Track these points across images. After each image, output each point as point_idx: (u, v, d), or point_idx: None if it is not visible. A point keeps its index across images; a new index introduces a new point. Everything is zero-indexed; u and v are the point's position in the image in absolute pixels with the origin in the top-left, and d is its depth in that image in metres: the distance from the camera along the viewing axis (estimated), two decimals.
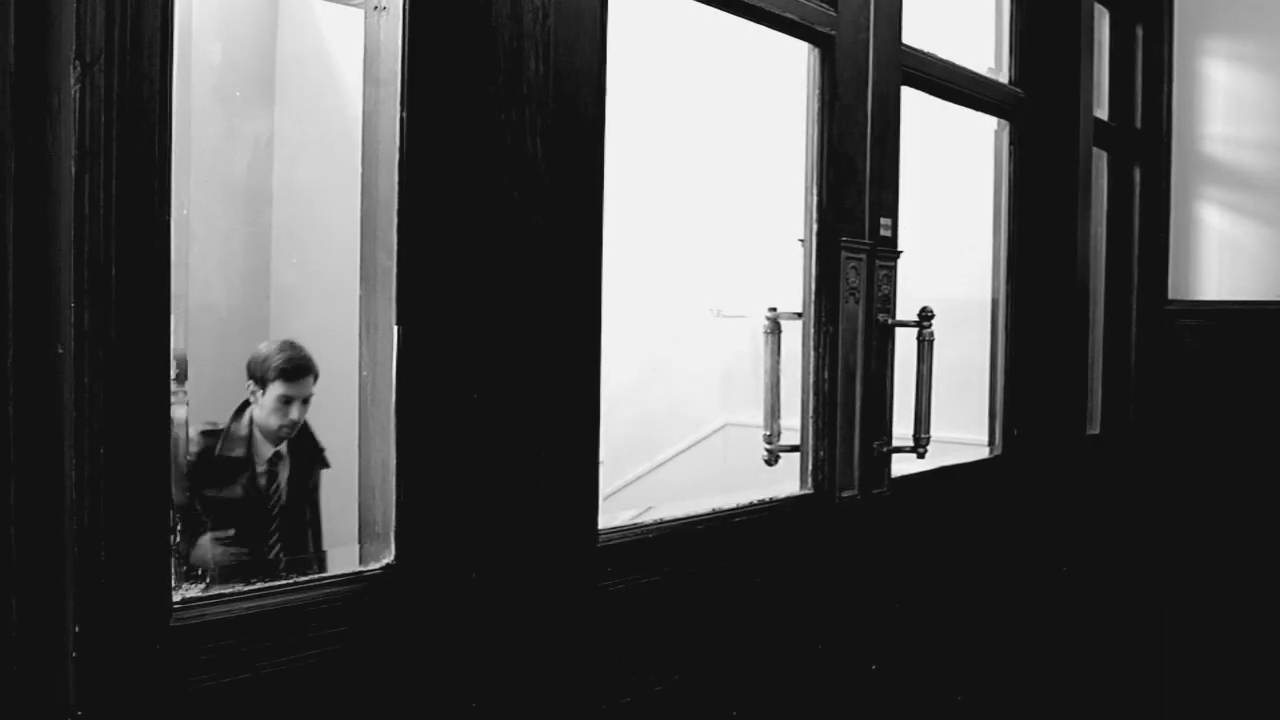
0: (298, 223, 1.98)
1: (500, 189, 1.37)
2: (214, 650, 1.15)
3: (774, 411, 2.37)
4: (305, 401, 3.18)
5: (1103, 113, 3.50)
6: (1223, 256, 3.70)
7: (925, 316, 2.32)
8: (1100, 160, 3.53)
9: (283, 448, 3.22)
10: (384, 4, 1.36)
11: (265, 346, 3.14)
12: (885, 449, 2.31)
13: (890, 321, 2.31)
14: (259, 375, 3.12)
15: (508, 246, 1.39)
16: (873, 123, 2.30)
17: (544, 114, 1.41)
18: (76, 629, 1.02)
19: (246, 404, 3.16)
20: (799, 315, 2.25)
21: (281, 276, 1.98)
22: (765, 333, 2.38)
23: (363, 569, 1.32)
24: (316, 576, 1.27)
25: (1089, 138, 3.14)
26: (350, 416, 1.43)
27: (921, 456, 2.38)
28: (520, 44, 1.38)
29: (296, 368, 3.13)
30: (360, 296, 1.41)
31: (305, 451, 3.27)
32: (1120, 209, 3.69)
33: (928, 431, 2.33)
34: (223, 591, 1.18)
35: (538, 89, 1.40)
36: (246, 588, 1.21)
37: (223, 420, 3.14)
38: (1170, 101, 3.72)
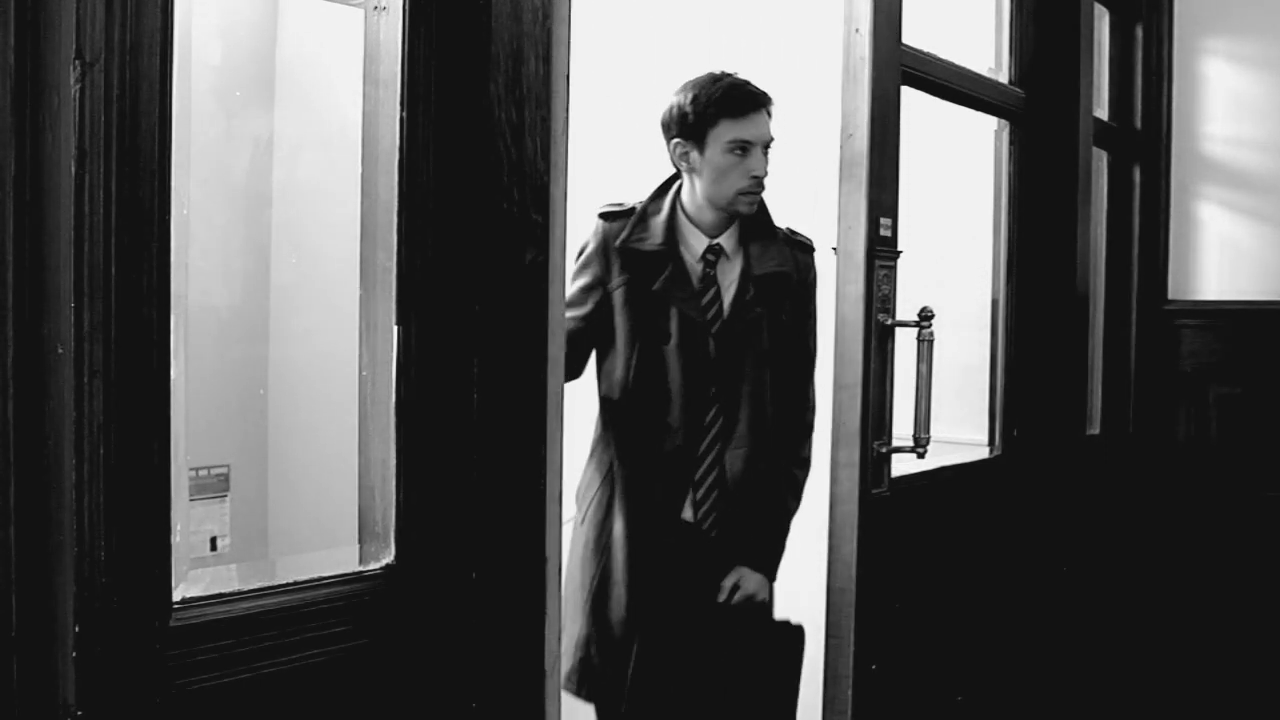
0: (298, 223, 1.98)
1: (500, 189, 1.37)
2: (214, 650, 1.15)
3: None
4: (767, 151, 2.22)
5: (1103, 113, 3.50)
6: (1223, 256, 3.70)
7: (925, 316, 2.32)
8: (1100, 160, 3.53)
9: (728, 238, 2.25)
10: (384, 4, 1.36)
11: (683, 88, 2.22)
12: (885, 449, 2.32)
13: (890, 321, 2.32)
14: (690, 121, 2.18)
15: (508, 246, 1.39)
16: (872, 123, 2.30)
17: (544, 114, 1.41)
18: (76, 629, 1.02)
19: (667, 184, 2.30)
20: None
21: (281, 276, 1.98)
22: None
23: (363, 569, 1.32)
24: (316, 577, 1.27)
25: (1089, 138, 3.14)
26: (350, 416, 1.44)
27: (921, 456, 2.38)
28: (520, 44, 1.38)
29: (748, 97, 2.19)
30: (360, 296, 1.41)
31: (770, 245, 2.27)
32: (1120, 209, 3.69)
33: (928, 431, 2.33)
34: (223, 591, 1.18)
35: (537, 89, 1.40)
36: (246, 588, 1.21)
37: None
38: (1170, 101, 3.71)
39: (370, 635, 1.29)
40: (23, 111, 1.00)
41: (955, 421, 2.97)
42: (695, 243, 2.26)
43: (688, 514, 2.24)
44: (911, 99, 2.49)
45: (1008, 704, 2.93)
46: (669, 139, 2.25)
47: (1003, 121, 2.99)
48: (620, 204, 2.27)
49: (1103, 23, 3.54)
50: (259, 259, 1.97)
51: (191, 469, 1.82)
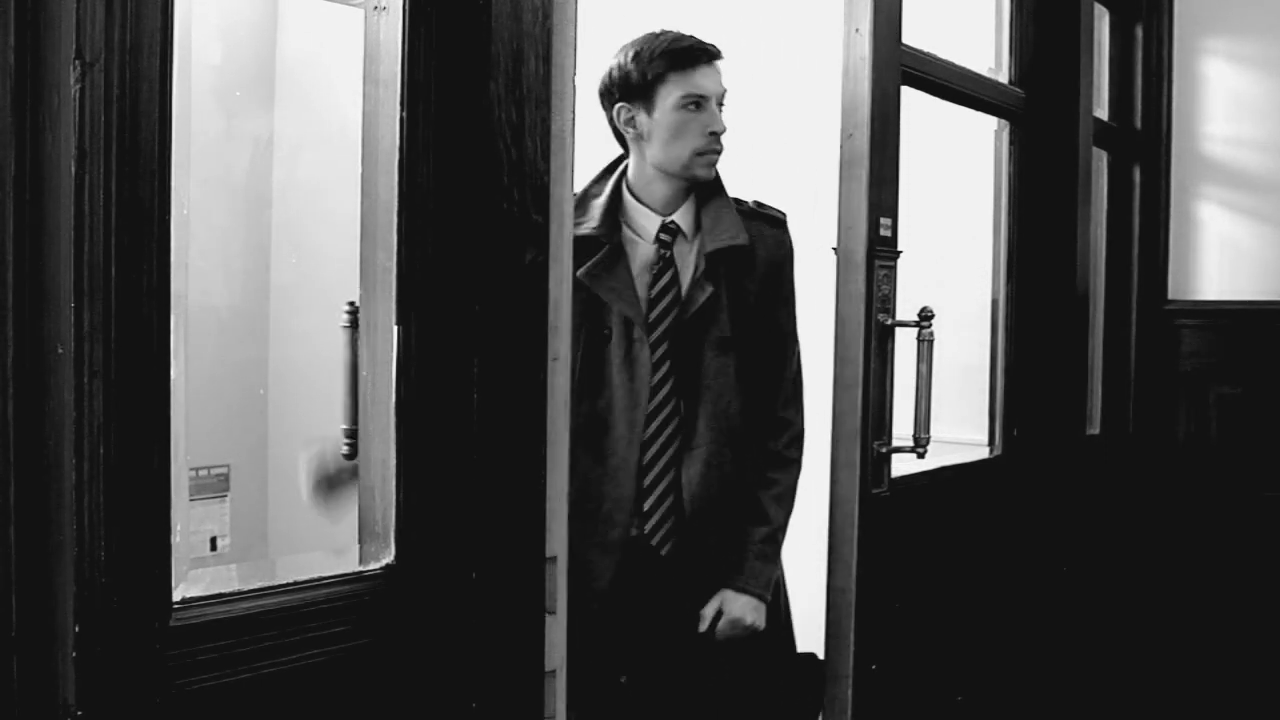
0: (298, 223, 1.98)
1: (500, 189, 1.37)
2: (214, 650, 1.15)
3: None
4: (721, 106, 2.02)
5: (1103, 113, 3.50)
6: (1223, 256, 3.70)
7: (925, 316, 2.32)
8: (1100, 160, 3.53)
9: (684, 214, 2.04)
10: (384, 4, 1.36)
11: (620, 50, 2.02)
12: (885, 449, 2.32)
13: (890, 321, 2.31)
14: (635, 80, 1.97)
15: (508, 246, 1.39)
16: (872, 123, 2.30)
17: (544, 114, 1.41)
18: (76, 629, 1.02)
19: (613, 165, 2.10)
20: None
21: (281, 276, 1.98)
22: None
23: (363, 569, 1.32)
24: (316, 577, 1.27)
25: (1089, 138, 3.14)
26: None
27: (921, 456, 2.38)
28: (520, 44, 1.38)
29: (696, 48, 2.00)
30: (360, 296, 1.41)
31: (722, 215, 2.06)
32: (1120, 209, 3.69)
33: (928, 431, 2.33)
34: (223, 591, 1.18)
35: (537, 89, 1.40)
36: (246, 588, 1.21)
37: None
38: (1170, 101, 3.71)
39: (370, 635, 1.29)
40: (23, 111, 1.00)
41: (955, 421, 2.98)
42: (645, 223, 2.03)
43: (634, 530, 2.02)
44: (911, 99, 2.49)
45: (1008, 704, 2.93)
46: (610, 106, 2.03)
47: (1003, 121, 2.99)
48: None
49: (1103, 23, 3.54)
50: (259, 259, 1.97)
51: (191, 469, 1.82)
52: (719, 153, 2.03)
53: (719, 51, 2.03)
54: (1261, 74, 3.61)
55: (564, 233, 1.47)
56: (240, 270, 1.95)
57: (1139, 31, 3.69)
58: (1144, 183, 3.71)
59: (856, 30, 2.28)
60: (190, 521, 1.80)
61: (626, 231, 2.04)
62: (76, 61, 1.00)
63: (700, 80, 1.99)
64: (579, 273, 1.90)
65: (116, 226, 1.04)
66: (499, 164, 1.36)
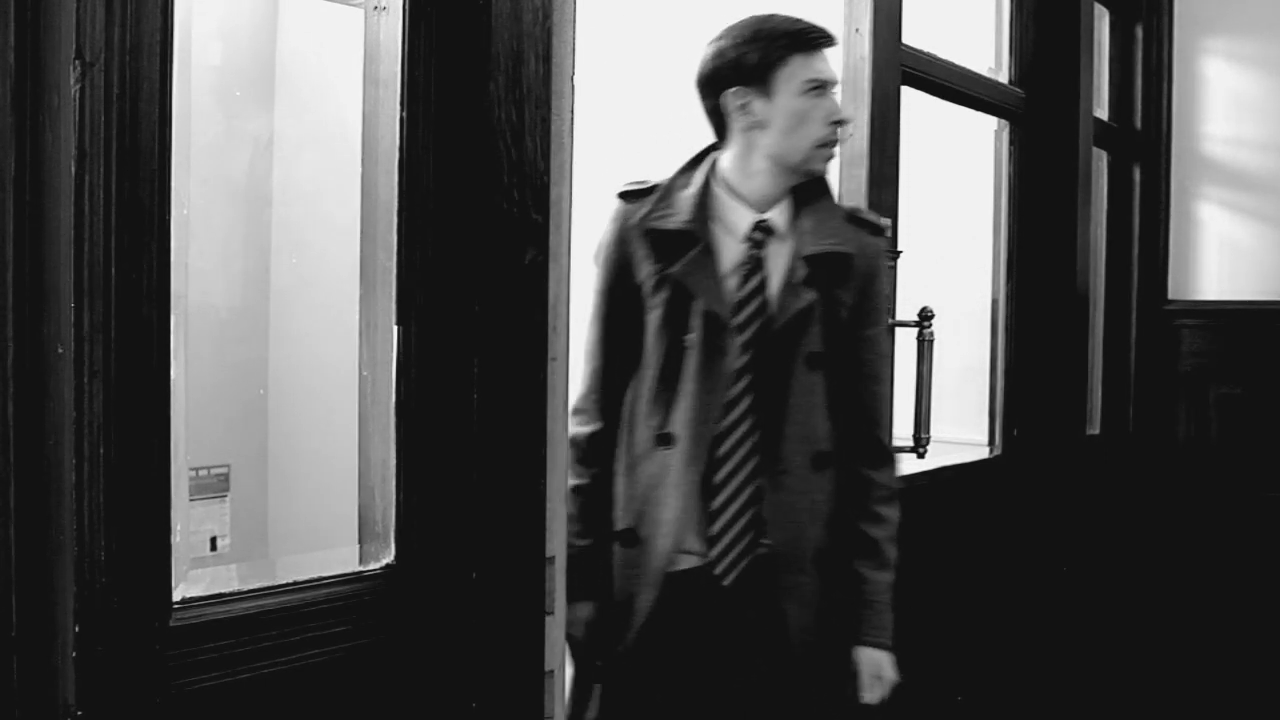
0: (298, 223, 1.97)
1: (500, 189, 1.37)
2: (214, 650, 1.15)
3: None
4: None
5: (1103, 113, 3.50)
6: (1222, 256, 3.70)
7: (925, 316, 2.32)
8: (1100, 160, 3.53)
9: (780, 212, 1.85)
10: (384, 4, 1.36)
11: (725, 35, 1.84)
12: None
13: (890, 321, 2.32)
14: (752, 63, 1.80)
15: (508, 246, 1.39)
16: (872, 123, 2.30)
17: (544, 114, 1.41)
18: (76, 629, 1.02)
19: (700, 156, 1.92)
20: None
21: (281, 276, 1.98)
22: None
23: (363, 569, 1.32)
24: (316, 577, 1.27)
25: (1089, 138, 3.14)
26: (350, 416, 1.44)
27: (921, 456, 2.38)
28: (520, 44, 1.38)
29: (817, 29, 1.84)
30: (360, 296, 1.41)
31: (827, 218, 1.87)
32: (1120, 209, 3.69)
33: (928, 431, 2.33)
34: (223, 591, 1.18)
35: (537, 89, 1.40)
36: (246, 588, 1.21)
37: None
38: (1170, 101, 3.72)
39: (370, 635, 1.29)
40: (23, 111, 1.00)
41: (955, 421, 2.98)
42: (737, 219, 1.83)
43: (693, 560, 1.81)
44: (911, 99, 2.49)
45: (1008, 704, 2.93)
46: (716, 92, 1.83)
47: (1003, 121, 3.00)
48: (643, 182, 1.87)
49: (1103, 23, 3.54)
50: (259, 259, 1.96)
51: (191, 469, 1.82)
52: (837, 145, 1.86)
53: (834, 37, 1.87)
54: (1261, 74, 3.61)
55: (563, 233, 1.47)
56: (240, 270, 1.95)
57: (1139, 31, 3.69)
58: (1144, 183, 3.71)
59: (856, 30, 2.29)
60: (190, 521, 1.80)
61: (714, 227, 1.83)
62: (76, 61, 1.00)
63: (822, 65, 1.81)
64: (673, 270, 1.78)
65: (116, 226, 1.04)
66: (499, 164, 1.36)
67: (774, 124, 1.79)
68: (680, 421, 1.78)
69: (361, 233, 1.41)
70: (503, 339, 1.38)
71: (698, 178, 1.85)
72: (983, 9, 3.05)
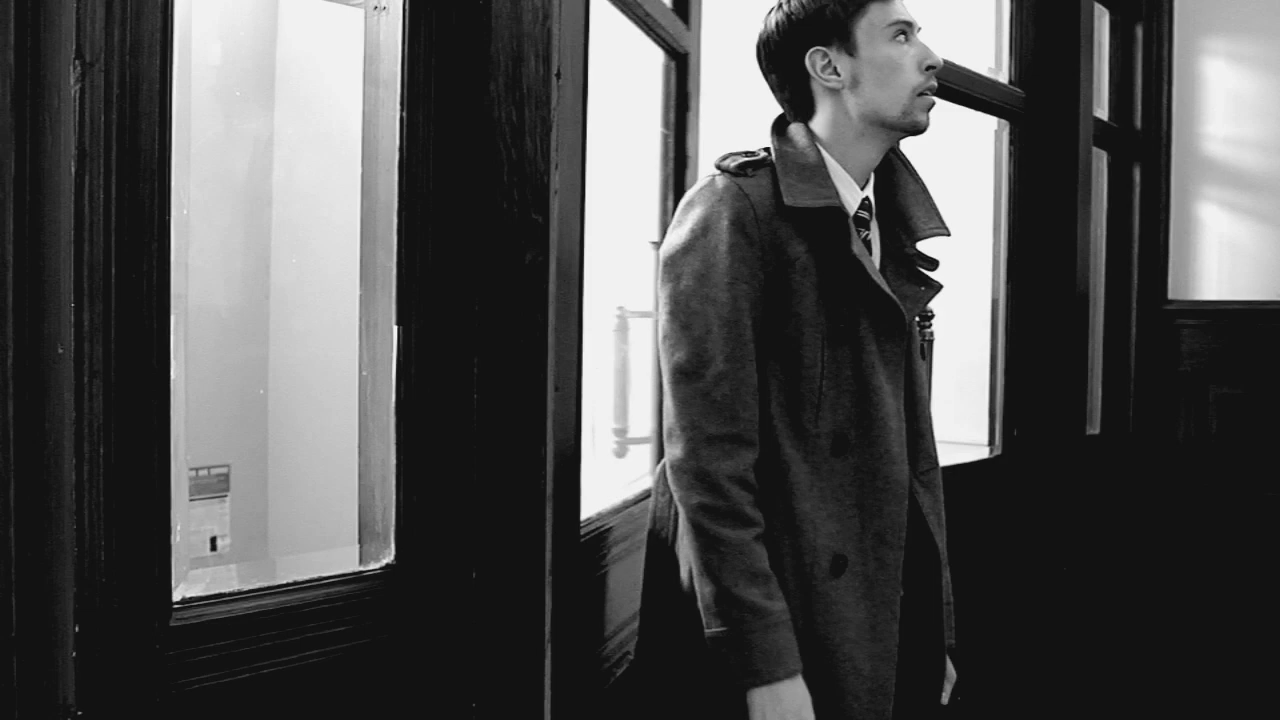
0: (298, 223, 1.97)
1: (500, 189, 1.37)
2: (214, 650, 1.15)
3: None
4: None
5: (1103, 113, 3.50)
6: (1222, 256, 3.70)
7: (925, 316, 2.32)
8: (1100, 160, 3.53)
9: (871, 190, 1.65)
10: (384, 4, 1.36)
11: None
12: None
13: None
14: (828, 17, 1.60)
15: (508, 246, 1.39)
16: None
17: (544, 114, 1.41)
18: (76, 629, 1.02)
19: (781, 130, 1.67)
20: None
21: (281, 276, 1.98)
22: (614, 330, 2.35)
23: (363, 569, 1.32)
24: (316, 577, 1.27)
25: (1089, 138, 3.14)
26: (350, 416, 1.44)
27: None
28: (520, 44, 1.38)
29: None
30: (360, 296, 1.41)
31: (922, 194, 1.69)
32: (1120, 209, 3.69)
33: None
34: (223, 591, 1.18)
35: (537, 89, 1.40)
36: (246, 588, 1.21)
37: None
38: (1170, 101, 3.72)
39: (370, 635, 1.29)
40: (23, 111, 1.00)
41: (955, 421, 2.98)
42: (849, 196, 1.62)
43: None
44: None
45: (1008, 704, 2.93)
46: (794, 59, 1.62)
47: (1003, 121, 3.00)
48: (751, 153, 1.62)
49: (1103, 23, 3.54)
50: (259, 259, 1.96)
51: (191, 469, 1.82)
52: (934, 94, 1.65)
53: None
54: (1261, 74, 3.62)
55: (559, 232, 1.47)
56: (240, 270, 1.95)
57: (1139, 31, 3.69)
58: (1144, 183, 3.71)
59: None
60: (190, 521, 1.80)
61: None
62: (76, 61, 1.01)
63: (901, 6, 1.62)
64: (835, 253, 1.56)
65: (116, 227, 1.04)
66: (499, 164, 1.36)
67: (866, 77, 1.59)
68: (879, 418, 1.58)
69: (361, 233, 1.41)
70: (503, 339, 1.38)
71: (804, 144, 1.63)
72: (983, 9, 3.05)
